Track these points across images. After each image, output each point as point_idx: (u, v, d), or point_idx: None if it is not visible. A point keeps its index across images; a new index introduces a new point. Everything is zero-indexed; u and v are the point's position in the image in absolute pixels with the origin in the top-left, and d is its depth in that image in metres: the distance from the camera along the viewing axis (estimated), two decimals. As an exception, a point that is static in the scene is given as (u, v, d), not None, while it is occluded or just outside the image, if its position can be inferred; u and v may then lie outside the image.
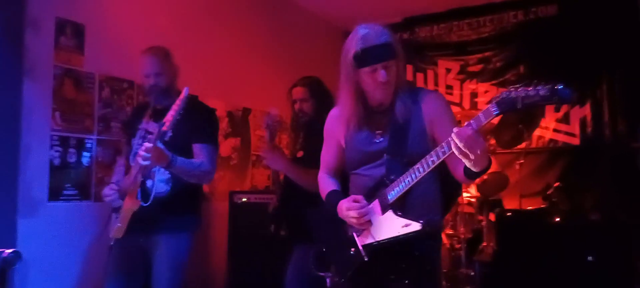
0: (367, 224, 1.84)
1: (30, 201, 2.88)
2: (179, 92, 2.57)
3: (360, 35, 1.82)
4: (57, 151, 3.01)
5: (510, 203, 4.32)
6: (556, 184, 4.06)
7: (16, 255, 1.64)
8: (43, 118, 2.95)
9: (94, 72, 3.21)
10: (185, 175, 2.43)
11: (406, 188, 1.74)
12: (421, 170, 1.70)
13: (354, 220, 1.84)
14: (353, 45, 1.82)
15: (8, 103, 2.81)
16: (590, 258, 3.36)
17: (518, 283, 3.56)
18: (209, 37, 4.04)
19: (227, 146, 4.18)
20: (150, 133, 2.41)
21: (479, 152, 1.52)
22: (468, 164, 1.58)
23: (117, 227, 2.45)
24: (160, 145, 2.23)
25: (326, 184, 2.05)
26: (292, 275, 2.77)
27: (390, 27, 1.84)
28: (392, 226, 1.78)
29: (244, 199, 3.82)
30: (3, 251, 1.61)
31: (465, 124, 1.55)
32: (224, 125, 4.11)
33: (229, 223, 3.81)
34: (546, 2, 4.74)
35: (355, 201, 1.85)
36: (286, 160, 2.78)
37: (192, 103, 2.42)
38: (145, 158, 2.21)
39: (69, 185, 3.06)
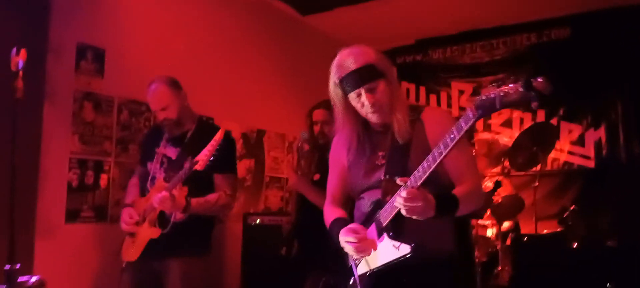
0: (366, 253, 1.69)
1: (47, 223, 2.91)
2: (192, 114, 2.61)
3: (337, 64, 1.72)
4: (75, 173, 3.04)
5: (526, 227, 4.28)
6: (572, 207, 4.01)
7: (40, 284, 1.65)
8: (62, 141, 2.99)
9: (113, 96, 3.25)
10: (204, 212, 2.47)
11: (397, 209, 1.53)
12: (409, 185, 1.50)
13: (351, 250, 1.71)
14: (333, 74, 1.74)
15: (28, 127, 2.85)
16: (609, 285, 3.30)
17: (535, 309, 3.51)
18: (224, 60, 4.09)
19: (241, 167, 4.20)
20: (169, 158, 2.45)
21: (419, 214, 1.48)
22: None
23: (131, 251, 2.47)
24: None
25: (330, 213, 1.90)
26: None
27: (402, 49, 1.78)
28: (386, 252, 1.62)
29: (258, 221, 3.83)
30: (29, 279, 1.63)
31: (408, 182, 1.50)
32: (238, 146, 4.13)
33: (243, 245, 3.81)
34: (559, 25, 4.74)
35: (353, 230, 1.71)
36: (310, 186, 2.81)
37: (210, 129, 2.44)
38: (161, 207, 2.34)
39: (86, 207, 3.09)
